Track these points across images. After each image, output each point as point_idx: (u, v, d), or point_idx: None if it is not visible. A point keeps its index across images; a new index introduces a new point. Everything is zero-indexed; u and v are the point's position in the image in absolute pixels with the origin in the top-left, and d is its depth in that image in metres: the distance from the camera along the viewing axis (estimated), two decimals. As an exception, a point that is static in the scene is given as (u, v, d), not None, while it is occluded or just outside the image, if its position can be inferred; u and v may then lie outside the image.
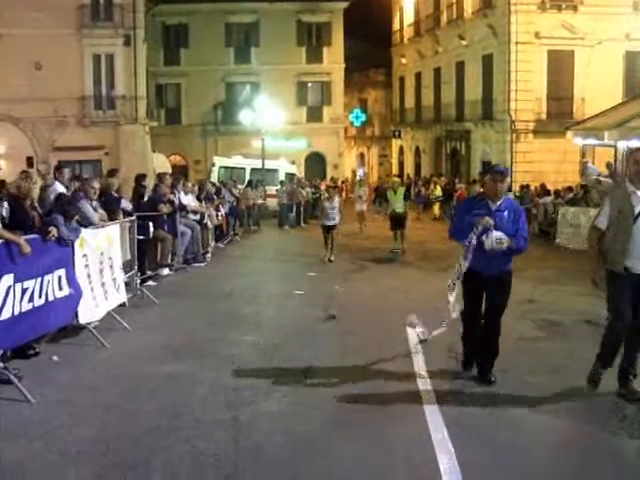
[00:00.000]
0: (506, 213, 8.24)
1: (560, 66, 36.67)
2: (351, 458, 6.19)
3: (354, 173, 61.97)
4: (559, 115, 35.83)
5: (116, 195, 14.34)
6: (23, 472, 5.84)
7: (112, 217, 12.81)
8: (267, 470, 5.93)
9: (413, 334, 10.63)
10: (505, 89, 37.02)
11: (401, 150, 56.21)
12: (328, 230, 19.67)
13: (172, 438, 6.53)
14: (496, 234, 7.99)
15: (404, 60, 53.40)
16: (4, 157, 36.76)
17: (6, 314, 7.46)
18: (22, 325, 7.84)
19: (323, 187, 40.66)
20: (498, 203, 8.27)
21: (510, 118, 36.92)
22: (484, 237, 8.01)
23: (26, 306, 7.90)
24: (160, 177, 17.94)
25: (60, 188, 13.43)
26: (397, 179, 26.75)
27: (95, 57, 37.57)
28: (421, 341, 9.89)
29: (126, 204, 14.43)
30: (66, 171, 14.88)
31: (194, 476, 5.80)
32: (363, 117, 59.81)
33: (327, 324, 11.67)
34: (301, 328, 11.30)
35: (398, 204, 22.12)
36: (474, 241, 8.03)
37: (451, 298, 8.65)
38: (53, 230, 8.59)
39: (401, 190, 22.64)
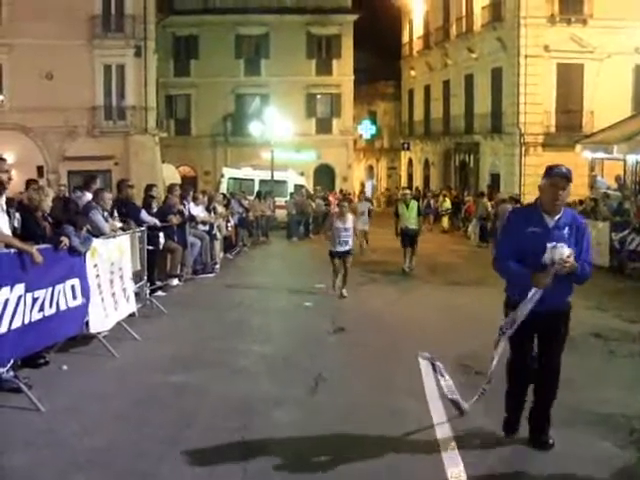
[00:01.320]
0: (566, 230, 6.49)
1: (569, 79, 36.69)
2: (360, 468, 6.20)
3: (363, 185, 62.02)
4: (568, 128, 35.79)
5: (137, 205, 14.54)
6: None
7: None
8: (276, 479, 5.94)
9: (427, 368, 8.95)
10: (514, 102, 37.02)
11: (410, 162, 56.21)
12: (340, 256, 15.82)
13: (181, 448, 6.55)
14: (565, 250, 6.26)
15: (413, 72, 53.47)
16: (14, 166, 36.64)
17: (17, 323, 7.49)
18: (32, 334, 7.87)
19: (332, 199, 40.70)
20: (557, 217, 6.49)
21: (519, 131, 36.93)
22: (547, 249, 6.26)
23: (36, 315, 7.95)
24: (170, 188, 18.02)
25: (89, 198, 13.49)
26: (408, 191, 23.37)
27: (106, 67, 37.68)
28: (459, 410, 7.44)
29: (145, 215, 14.51)
30: (97, 182, 14.89)
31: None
32: (373, 129, 59.92)
33: (336, 336, 11.69)
34: (310, 339, 11.32)
35: (411, 220, 20.00)
36: (537, 296, 6.35)
37: (496, 355, 6.93)
38: (65, 240, 8.65)
39: (414, 204, 20.55)
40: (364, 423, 7.35)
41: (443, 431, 7.11)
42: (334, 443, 6.77)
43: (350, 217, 16.09)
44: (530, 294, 6.37)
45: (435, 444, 6.75)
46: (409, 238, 20.01)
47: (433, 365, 8.07)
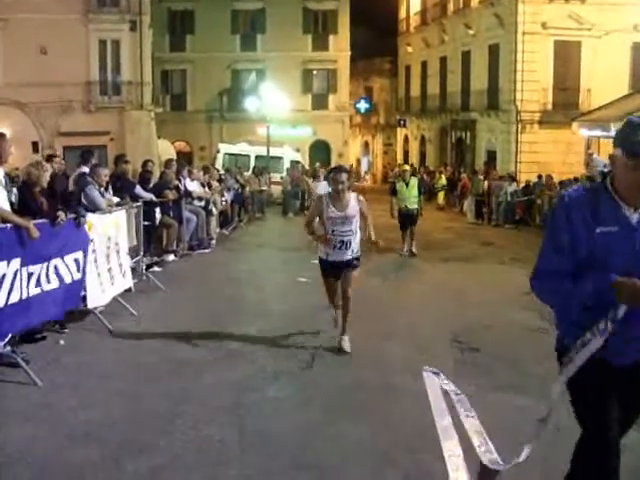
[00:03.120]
0: None
1: (567, 57, 36.54)
2: (357, 441, 6.26)
3: (358, 162, 61.94)
4: (565, 106, 35.69)
5: (132, 180, 14.56)
6: (30, 454, 5.89)
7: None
8: (271, 454, 5.98)
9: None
10: (511, 79, 36.88)
11: (406, 139, 56.10)
12: (335, 271, 9.54)
13: (177, 423, 6.59)
14: None
15: (410, 49, 53.25)
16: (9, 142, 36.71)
17: (14, 298, 7.51)
18: (30, 309, 7.89)
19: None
20: None
21: (516, 108, 36.82)
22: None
23: (33, 290, 7.97)
24: (167, 163, 18.03)
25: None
26: (407, 167, 20.88)
27: (101, 42, 37.48)
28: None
29: (140, 190, 14.49)
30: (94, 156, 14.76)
31: (198, 459, 5.86)
32: (368, 105, 59.73)
33: (330, 311, 11.70)
34: (306, 315, 11.33)
35: (412, 199, 18.20)
36: (621, 313, 3.75)
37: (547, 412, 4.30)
38: (61, 215, 8.65)
39: (414, 181, 18.63)
40: (360, 398, 7.40)
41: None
42: (330, 417, 6.82)
43: (352, 199, 9.27)
44: (610, 316, 3.78)
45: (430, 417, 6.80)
46: (409, 220, 18.25)
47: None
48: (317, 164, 41.87)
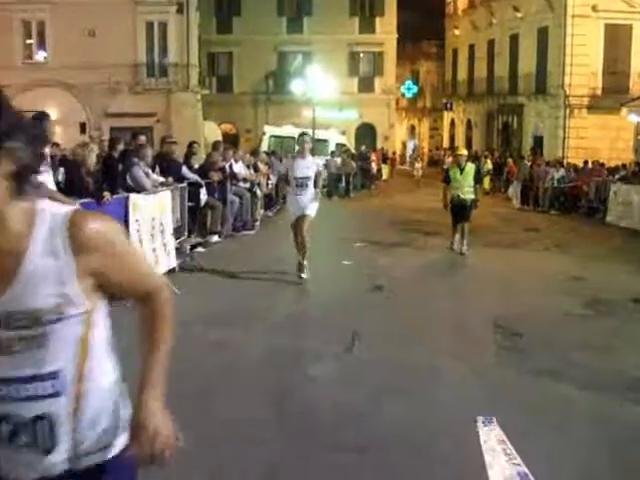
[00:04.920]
0: None
1: (617, 40, 36.02)
2: (397, 422, 6.25)
3: (404, 145, 61.69)
4: (615, 91, 35.22)
5: (178, 161, 14.66)
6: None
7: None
8: (310, 435, 6.01)
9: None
10: (560, 63, 36.47)
11: (452, 123, 55.78)
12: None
13: (218, 400, 6.65)
14: None
15: (457, 32, 52.85)
16: (58, 123, 37.12)
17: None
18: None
19: (374, 157, 40.65)
20: None
21: (564, 93, 36.41)
22: None
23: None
24: (215, 145, 18.15)
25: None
26: (464, 151, 17.56)
27: (148, 25, 37.71)
28: None
29: (186, 171, 14.60)
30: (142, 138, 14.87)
31: (237, 438, 5.91)
32: (415, 89, 59.42)
33: (373, 294, 11.73)
34: (348, 297, 11.36)
35: (466, 188, 15.99)
36: None
37: None
38: (107, 195, 8.76)
39: (470, 168, 16.41)
40: (402, 379, 7.40)
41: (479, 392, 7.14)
42: (371, 398, 6.82)
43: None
44: None
45: (473, 401, 6.79)
46: (461, 211, 16.07)
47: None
48: (363, 147, 41.83)
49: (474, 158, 40.58)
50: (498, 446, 5.60)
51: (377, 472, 5.35)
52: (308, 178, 12.22)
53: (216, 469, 5.30)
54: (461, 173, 16.00)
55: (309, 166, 12.30)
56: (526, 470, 5.19)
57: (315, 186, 12.38)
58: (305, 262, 12.32)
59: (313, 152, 13.91)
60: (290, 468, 5.37)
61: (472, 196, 16.07)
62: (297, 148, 13.31)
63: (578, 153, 34.17)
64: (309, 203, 12.30)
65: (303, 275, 12.18)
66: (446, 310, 10.72)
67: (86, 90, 36.76)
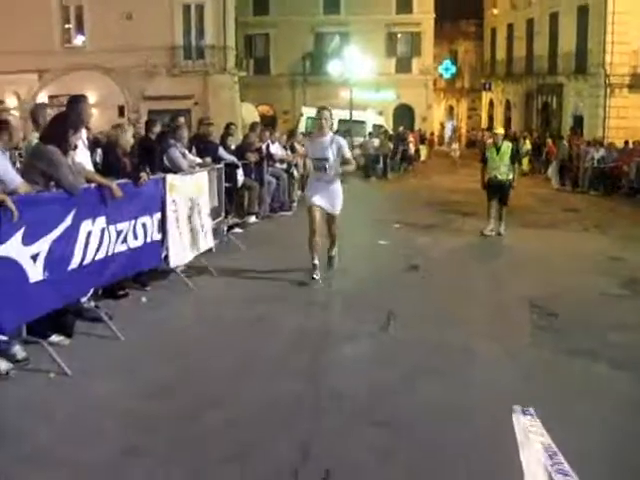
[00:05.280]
0: None
1: (659, 18, 35.37)
2: (430, 401, 6.27)
3: (442, 126, 61.30)
4: (657, 69, 34.69)
5: (215, 142, 14.72)
6: (110, 404, 6.11)
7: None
8: (344, 411, 6.05)
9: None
10: (600, 41, 35.88)
11: (491, 103, 55.28)
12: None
13: (253, 378, 6.72)
14: None
15: (496, 11, 52.28)
16: (96, 106, 37.40)
17: (100, 254, 7.72)
18: (112, 266, 8.10)
19: (412, 138, 40.45)
20: None
21: (605, 72, 35.88)
22: None
23: (118, 247, 8.18)
24: (252, 126, 18.20)
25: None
26: (501, 130, 17.46)
27: (185, 7, 37.71)
28: None
29: (222, 152, 14.66)
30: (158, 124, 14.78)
31: (273, 414, 5.97)
32: (453, 69, 58.92)
33: (409, 274, 11.72)
34: (384, 277, 11.38)
35: (502, 167, 15.62)
36: None
37: None
38: (144, 176, 8.84)
39: (507, 147, 15.92)
40: (437, 359, 7.42)
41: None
42: (405, 377, 6.84)
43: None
44: None
45: (508, 382, 6.79)
46: (498, 192, 15.77)
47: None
48: (401, 128, 41.63)
49: (512, 139, 40.43)
50: (531, 429, 5.57)
51: (409, 450, 5.37)
52: (326, 159, 10.77)
53: (249, 446, 5.35)
54: (498, 153, 15.64)
55: (327, 146, 10.76)
56: (557, 450, 5.16)
57: (337, 170, 11.00)
58: (334, 253, 11.52)
59: (335, 130, 13.46)
60: (323, 445, 5.40)
61: (507, 176, 15.66)
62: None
63: (618, 133, 33.67)
64: (334, 195, 11.15)
65: (332, 267, 11.40)
66: (482, 290, 10.70)
67: (124, 73, 36.95)
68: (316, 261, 10.90)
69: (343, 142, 11.00)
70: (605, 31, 35.59)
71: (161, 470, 4.97)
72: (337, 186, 11.16)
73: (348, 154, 11.00)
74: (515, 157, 16.27)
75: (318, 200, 11.00)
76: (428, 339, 8.06)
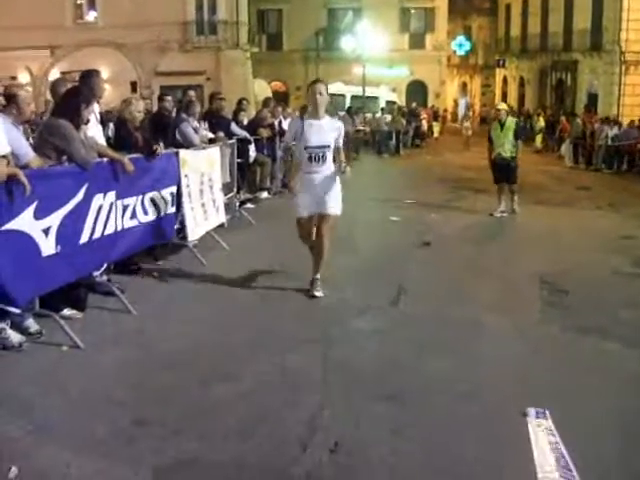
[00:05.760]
0: None
1: (676, -6, 34.99)
2: (439, 375, 6.30)
3: (456, 102, 61.01)
4: (673, 46, 34.35)
5: (227, 117, 14.72)
6: (123, 375, 6.18)
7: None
8: (352, 384, 6.09)
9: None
10: (616, 18, 35.53)
11: (505, 80, 54.97)
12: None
13: (263, 352, 6.75)
14: None
15: (511, -14, 51.90)
16: (108, 82, 37.38)
17: (110, 229, 7.76)
18: (124, 240, 8.15)
19: (425, 115, 40.31)
20: None
21: (620, 49, 35.58)
22: None
23: (128, 222, 8.22)
24: (265, 102, 18.19)
25: None
26: (504, 105, 16.96)
27: (197, -18, 37.65)
28: None
29: (235, 127, 14.66)
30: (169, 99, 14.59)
31: (281, 387, 6.02)
32: (467, 45, 58.47)
33: (421, 250, 11.73)
34: (395, 253, 11.41)
35: (506, 145, 15.19)
36: None
37: None
38: (159, 149, 8.87)
39: (511, 122, 15.46)
40: (445, 333, 7.46)
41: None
42: (414, 351, 6.87)
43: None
44: None
45: (516, 357, 6.81)
46: (504, 172, 15.37)
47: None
48: (413, 104, 41.48)
49: (527, 116, 40.23)
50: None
51: (418, 423, 5.39)
52: (327, 147, 8.37)
53: (259, 418, 5.39)
54: (502, 129, 15.20)
55: (327, 130, 8.41)
56: (560, 441, 5.20)
57: (335, 160, 8.57)
58: (318, 276, 8.69)
59: (333, 110, 10.35)
60: (331, 417, 5.45)
61: (512, 154, 15.24)
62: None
63: (633, 111, 33.44)
64: (331, 191, 8.55)
65: (317, 293, 8.57)
66: (493, 266, 10.71)
67: (136, 49, 36.94)
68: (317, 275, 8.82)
69: (342, 126, 8.80)
70: (621, 7, 35.24)
71: (171, 441, 5.02)
72: (334, 180, 8.58)
73: (341, 142, 8.60)
74: (520, 133, 15.73)
75: (309, 207, 8.59)
76: (438, 314, 8.08)
